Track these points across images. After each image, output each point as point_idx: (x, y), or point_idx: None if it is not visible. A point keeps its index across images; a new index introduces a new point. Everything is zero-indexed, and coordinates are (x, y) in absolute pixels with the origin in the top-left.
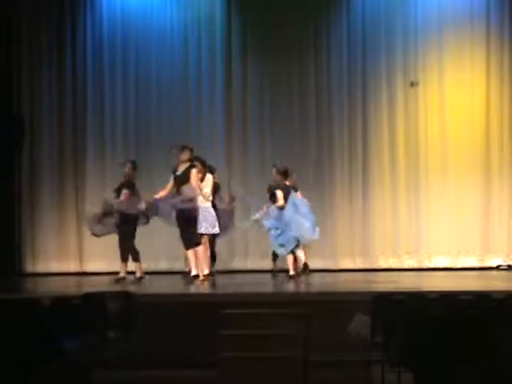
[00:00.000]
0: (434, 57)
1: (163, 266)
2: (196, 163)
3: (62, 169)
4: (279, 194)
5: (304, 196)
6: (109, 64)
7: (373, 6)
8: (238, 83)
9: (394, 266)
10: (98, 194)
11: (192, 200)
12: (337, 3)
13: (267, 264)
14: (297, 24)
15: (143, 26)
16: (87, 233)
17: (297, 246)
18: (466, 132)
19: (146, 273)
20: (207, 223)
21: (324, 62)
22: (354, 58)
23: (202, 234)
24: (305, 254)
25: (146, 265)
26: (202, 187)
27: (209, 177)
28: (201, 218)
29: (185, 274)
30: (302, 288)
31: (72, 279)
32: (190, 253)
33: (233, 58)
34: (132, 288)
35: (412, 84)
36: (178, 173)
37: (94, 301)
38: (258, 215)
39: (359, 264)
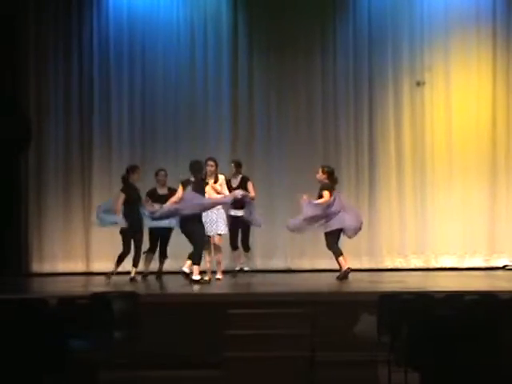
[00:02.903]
0: (440, 57)
1: (169, 265)
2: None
3: (68, 169)
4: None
5: (311, 195)
6: (115, 63)
7: (379, 6)
8: (244, 83)
9: (400, 266)
10: (104, 194)
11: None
12: (343, 3)
13: (273, 264)
14: (303, 24)
15: (150, 25)
16: (94, 232)
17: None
18: (472, 132)
19: (152, 273)
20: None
21: (330, 62)
22: (360, 57)
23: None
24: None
25: (153, 264)
26: (219, 189)
27: (221, 177)
28: (214, 219)
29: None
30: (307, 288)
31: (79, 279)
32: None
33: (239, 57)
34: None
35: (418, 83)
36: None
37: (100, 301)
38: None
39: (365, 264)
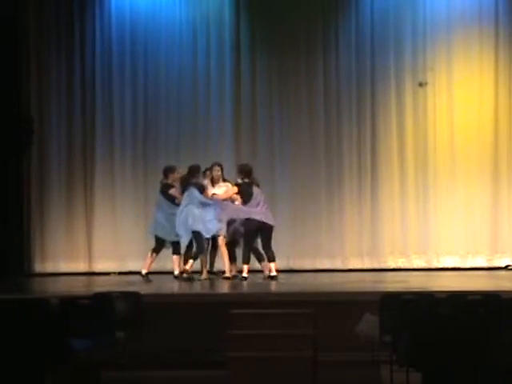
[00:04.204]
0: (442, 57)
1: (171, 266)
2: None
3: (70, 169)
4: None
5: (313, 195)
6: (117, 63)
7: (381, 6)
8: (247, 82)
9: (402, 266)
10: (106, 194)
11: None
12: (345, 3)
13: (277, 264)
14: (305, 23)
15: (152, 25)
16: (96, 233)
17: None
18: (474, 132)
19: (153, 273)
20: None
21: (332, 62)
22: (363, 57)
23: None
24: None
25: (154, 264)
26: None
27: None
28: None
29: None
30: (309, 288)
31: (81, 279)
32: None
33: (241, 57)
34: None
35: (421, 84)
36: None
37: (102, 301)
38: None
39: (368, 264)
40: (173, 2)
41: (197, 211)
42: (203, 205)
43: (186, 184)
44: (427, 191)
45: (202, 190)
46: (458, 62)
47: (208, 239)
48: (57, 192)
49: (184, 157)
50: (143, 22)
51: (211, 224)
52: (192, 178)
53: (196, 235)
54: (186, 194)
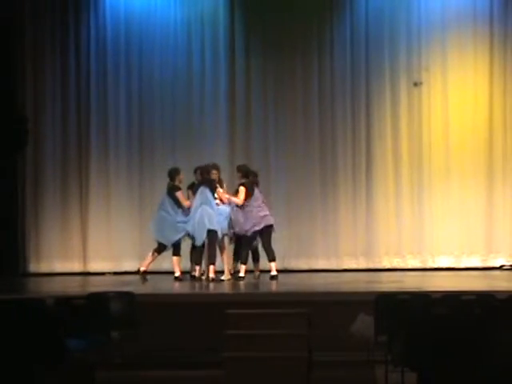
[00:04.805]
0: (437, 57)
1: (167, 266)
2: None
3: (65, 169)
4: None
5: (308, 195)
6: (112, 63)
7: (376, 6)
8: (241, 82)
9: (397, 266)
10: (101, 194)
11: None
12: (340, 3)
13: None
14: (300, 23)
15: (147, 26)
16: (91, 233)
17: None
18: (469, 132)
19: (149, 272)
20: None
21: (327, 62)
22: (358, 57)
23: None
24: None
25: (152, 264)
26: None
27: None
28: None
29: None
30: (304, 288)
31: (76, 279)
32: None
33: (236, 57)
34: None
35: (415, 84)
36: None
37: (97, 301)
38: None
39: (363, 264)
40: (167, 2)
41: (211, 210)
42: (214, 204)
43: (199, 184)
44: (422, 191)
45: (214, 189)
46: (453, 62)
47: (218, 238)
48: (52, 192)
49: (179, 156)
50: (138, 23)
51: (223, 224)
52: (204, 178)
53: (211, 234)
54: (199, 192)
